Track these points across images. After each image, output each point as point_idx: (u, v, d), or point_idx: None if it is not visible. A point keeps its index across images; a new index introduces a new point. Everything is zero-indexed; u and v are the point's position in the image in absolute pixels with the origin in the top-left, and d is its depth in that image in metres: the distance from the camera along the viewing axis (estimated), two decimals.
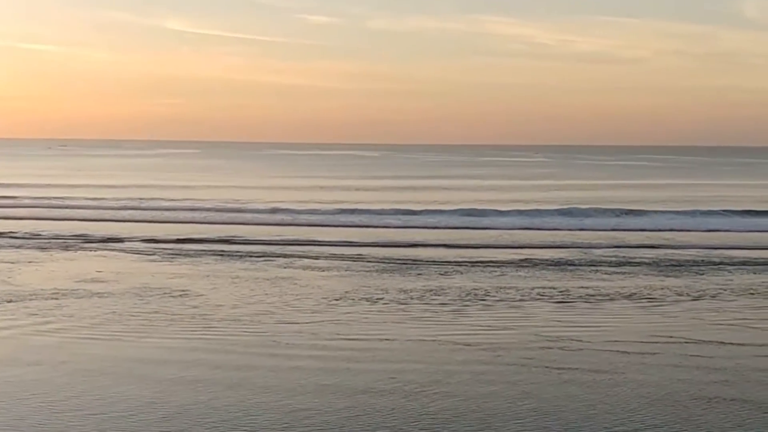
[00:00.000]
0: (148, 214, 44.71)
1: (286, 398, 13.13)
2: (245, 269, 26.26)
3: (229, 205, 49.66)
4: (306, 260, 28.27)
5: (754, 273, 26.43)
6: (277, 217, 43.77)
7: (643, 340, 17.22)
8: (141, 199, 53.10)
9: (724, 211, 46.88)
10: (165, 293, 21.84)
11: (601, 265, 27.69)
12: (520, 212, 45.79)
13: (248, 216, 44.45)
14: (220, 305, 20.34)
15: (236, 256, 29.23)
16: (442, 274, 25.43)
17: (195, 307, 20.13)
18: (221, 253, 29.80)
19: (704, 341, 17.18)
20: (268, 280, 24.19)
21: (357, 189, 69.27)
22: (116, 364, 15.02)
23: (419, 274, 25.37)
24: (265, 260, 28.18)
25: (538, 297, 21.84)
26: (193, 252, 30.16)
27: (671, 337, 17.53)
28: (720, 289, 23.38)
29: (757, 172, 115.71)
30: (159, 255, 29.30)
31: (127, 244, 32.27)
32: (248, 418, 12.20)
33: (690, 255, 30.64)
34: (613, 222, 42.36)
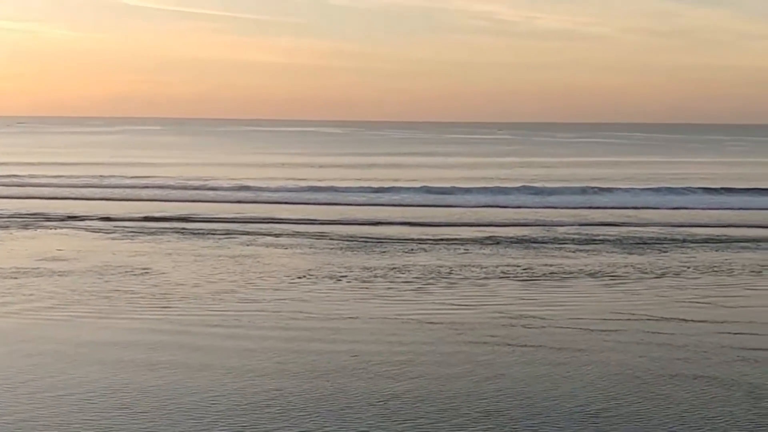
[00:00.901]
0: (109, 192, 44.36)
1: (248, 379, 13.00)
2: (207, 247, 26.08)
3: (192, 183, 49.30)
4: (269, 238, 28.12)
5: (717, 250, 26.54)
6: (241, 195, 43.52)
7: (606, 317, 17.23)
8: (102, 176, 52.61)
9: (687, 188, 47.10)
10: (126, 272, 21.63)
11: (565, 243, 27.72)
12: (484, 190, 45.80)
13: (211, 193, 44.18)
14: (182, 284, 20.16)
15: (199, 233, 29.02)
16: (406, 252, 25.35)
17: (156, 285, 19.94)
18: (183, 231, 29.58)
19: (666, 318, 17.22)
20: (230, 258, 24.02)
21: (321, 166, 69.07)
22: (76, 346, 14.79)
23: (383, 252, 25.28)
24: (227, 238, 27.99)
25: (502, 275, 21.82)
26: (155, 230, 29.92)
27: (634, 314, 17.55)
28: (683, 266, 23.46)
29: (721, 149, 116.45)
30: (120, 233, 29.04)
31: (87, 222, 31.97)
32: (210, 399, 12.06)
33: (653, 232, 30.75)
34: (578, 200, 42.45)
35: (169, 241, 27.15)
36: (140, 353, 14.29)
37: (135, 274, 21.28)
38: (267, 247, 26.23)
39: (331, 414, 11.47)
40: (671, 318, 17.26)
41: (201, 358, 14.08)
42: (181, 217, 33.82)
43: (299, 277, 21.11)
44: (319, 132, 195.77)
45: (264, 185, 47.69)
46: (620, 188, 46.92)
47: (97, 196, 42.77)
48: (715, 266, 23.52)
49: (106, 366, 13.58)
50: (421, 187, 46.30)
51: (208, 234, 28.90)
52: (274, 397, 12.12)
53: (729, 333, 16.09)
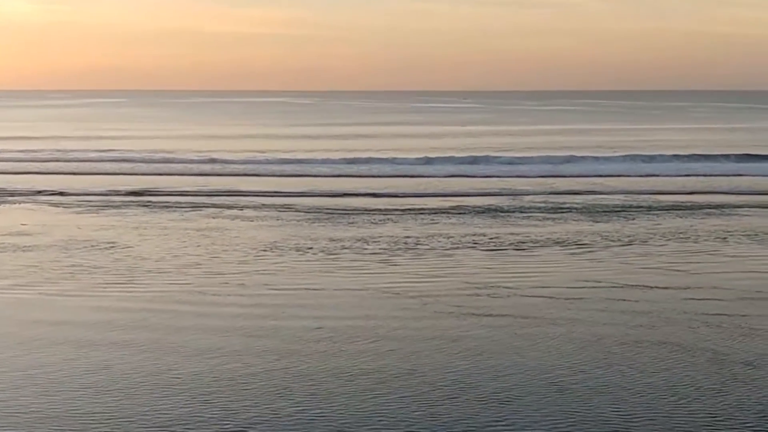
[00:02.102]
0: (74, 166, 43.96)
1: (211, 352, 12.95)
2: (173, 220, 25.94)
3: (158, 155, 48.96)
4: (235, 210, 28.00)
5: (682, 217, 26.66)
6: (207, 167, 43.27)
7: (572, 285, 17.28)
8: (67, 150, 52.15)
9: (654, 155, 47.24)
10: (92, 246, 21.49)
11: (532, 212, 27.76)
12: (451, 159, 45.77)
13: (178, 166, 43.90)
14: (147, 258, 20.05)
15: (165, 207, 28.85)
16: (373, 224, 25.32)
17: (121, 260, 19.82)
18: (149, 204, 29.40)
19: (631, 285, 17.28)
20: (196, 231, 23.90)
21: (287, 137, 68.78)
22: (39, 325, 14.58)
23: (350, 224, 25.23)
24: (194, 211, 27.84)
25: (469, 245, 21.83)
26: (120, 203, 29.73)
27: (599, 282, 17.60)
28: (649, 233, 23.56)
29: (685, 115, 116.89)
30: (85, 207, 28.83)
31: (53, 197, 31.70)
32: (173, 372, 12.01)
33: (620, 200, 30.85)
34: (545, 168, 42.47)
35: (134, 215, 26.98)
36: (105, 332, 14.13)
37: (100, 249, 21.14)
38: (233, 219, 26.12)
39: (295, 385, 11.44)
40: (636, 285, 17.33)
41: (165, 334, 13.99)
42: (147, 190, 33.61)
43: (264, 250, 21.03)
44: (285, 103, 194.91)
45: (231, 157, 47.45)
46: (588, 156, 46.98)
47: (61, 170, 42.37)
48: (680, 233, 23.63)
49: (67, 344, 13.46)
50: (388, 158, 46.22)
51: (174, 207, 28.75)
52: (236, 369, 12.07)
53: (693, 299, 16.17)
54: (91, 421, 10.24)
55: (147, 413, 10.47)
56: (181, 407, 10.68)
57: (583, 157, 46.41)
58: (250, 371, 12.03)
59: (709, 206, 29.18)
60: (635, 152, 49.09)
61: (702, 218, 26.45)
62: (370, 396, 11.11)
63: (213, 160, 46.02)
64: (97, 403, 10.85)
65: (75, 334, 13.92)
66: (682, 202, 30.18)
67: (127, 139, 65.30)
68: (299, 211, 27.75)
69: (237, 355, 12.76)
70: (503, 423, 10.24)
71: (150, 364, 12.34)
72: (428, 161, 45.02)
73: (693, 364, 12.40)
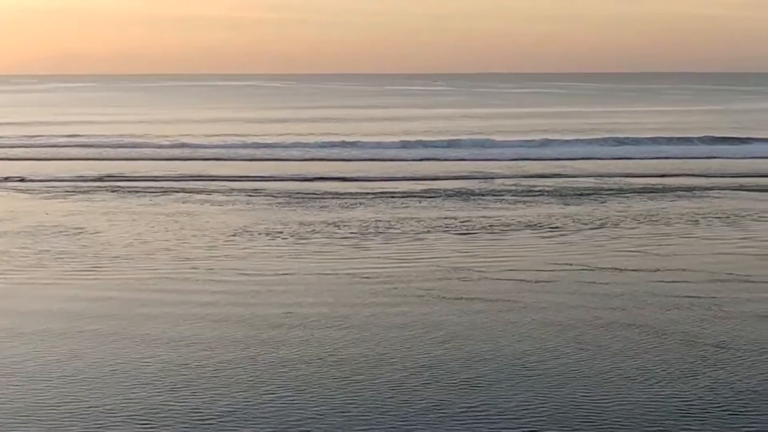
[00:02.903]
0: (42, 152, 43.56)
1: (179, 337, 12.82)
2: (143, 205, 25.74)
3: (127, 140, 48.62)
4: (205, 195, 27.81)
5: (653, 200, 26.69)
6: (177, 152, 43.01)
7: (543, 268, 17.24)
8: (33, 136, 51.64)
9: (624, 138, 47.34)
10: (60, 232, 21.27)
11: (503, 195, 27.72)
12: (423, 143, 45.69)
13: (147, 151, 43.61)
14: (116, 243, 19.85)
15: (134, 192, 28.63)
16: (344, 207, 25.21)
17: (89, 246, 19.62)
18: (118, 190, 29.16)
19: (602, 268, 17.26)
20: (166, 216, 23.72)
21: (258, 121, 68.44)
22: (6, 313, 14.36)
23: (321, 208, 25.11)
24: (163, 195, 27.64)
25: (440, 228, 21.76)
26: (89, 189, 29.47)
27: (570, 265, 17.57)
28: (620, 216, 23.56)
29: (659, 98, 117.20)
30: (53, 193, 28.55)
31: (20, 183, 31.40)
32: (142, 362, 11.87)
33: (591, 183, 30.87)
34: (516, 151, 42.46)
35: (103, 200, 26.75)
36: (73, 320, 13.85)
37: (68, 235, 20.93)
38: (203, 204, 25.94)
39: (266, 373, 11.34)
40: (607, 268, 17.30)
41: (134, 322, 13.80)
42: (116, 175, 33.34)
43: (234, 235, 20.88)
44: (256, 86, 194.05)
45: (200, 142, 47.20)
46: (559, 139, 47.02)
47: (28, 156, 42.00)
48: (652, 215, 23.65)
49: (38, 336, 13.21)
50: (359, 142, 46.09)
51: (143, 192, 28.52)
52: (205, 357, 11.95)
53: (663, 281, 16.16)
54: (61, 413, 10.08)
55: (118, 404, 10.31)
56: (152, 397, 10.54)
57: (554, 140, 46.44)
58: (220, 358, 11.91)
59: (681, 189, 29.24)
60: (607, 135, 49.18)
61: (673, 201, 26.49)
62: (341, 383, 11.01)
63: (183, 145, 45.75)
64: (66, 394, 10.66)
65: (44, 324, 13.67)
66: (654, 185, 30.23)
67: (96, 124, 64.80)
68: (270, 196, 27.59)
69: (206, 342, 12.63)
70: (476, 409, 10.17)
71: (119, 354, 12.15)
72: (399, 145, 44.92)
73: (664, 346, 12.37)
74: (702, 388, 10.76)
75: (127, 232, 21.22)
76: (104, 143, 47.15)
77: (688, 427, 9.65)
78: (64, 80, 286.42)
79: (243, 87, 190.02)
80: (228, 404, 10.25)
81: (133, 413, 10.01)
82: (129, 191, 28.80)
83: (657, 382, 10.95)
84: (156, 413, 10.01)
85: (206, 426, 9.71)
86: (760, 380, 11.02)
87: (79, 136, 51.28)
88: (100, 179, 32.23)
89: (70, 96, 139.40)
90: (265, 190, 29.03)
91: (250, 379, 11.09)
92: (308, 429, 9.63)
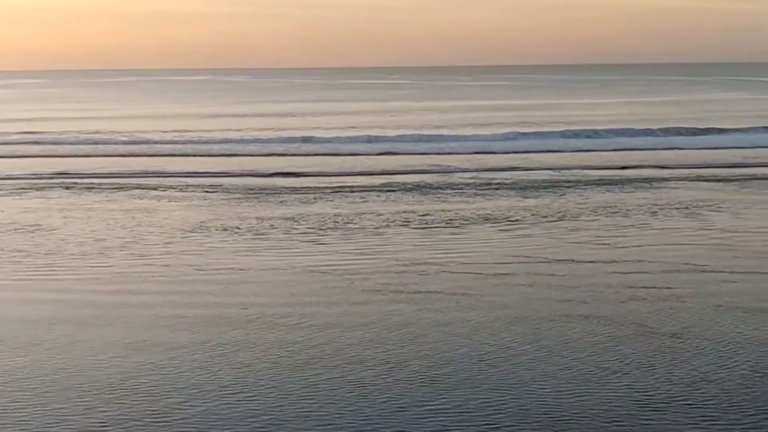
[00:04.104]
0: None
1: (133, 334, 12.68)
2: (99, 201, 25.51)
3: (82, 137, 48.17)
4: (161, 191, 27.59)
5: (611, 191, 26.79)
6: (133, 148, 42.70)
7: (501, 261, 17.23)
8: None
9: (582, 130, 47.52)
10: (14, 229, 21.01)
11: (461, 188, 27.73)
12: (381, 137, 45.62)
13: (103, 147, 43.23)
14: (71, 240, 19.63)
15: (90, 188, 28.36)
16: (302, 202, 25.09)
17: (44, 244, 19.38)
18: (73, 186, 28.86)
19: (559, 260, 17.27)
20: (122, 212, 23.51)
21: (214, 116, 68.09)
22: None
23: (278, 203, 24.98)
24: (119, 192, 27.41)
25: (398, 222, 21.71)
26: (44, 186, 29.15)
27: (528, 257, 17.58)
28: (578, 208, 23.62)
29: (616, 89, 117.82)
30: (7, 190, 28.20)
31: None
32: (92, 357, 11.73)
33: (549, 176, 30.95)
34: (476, 145, 42.50)
35: (59, 197, 26.48)
36: (26, 323, 13.65)
37: (23, 232, 20.68)
38: (159, 200, 25.74)
39: (222, 368, 11.23)
40: (564, 260, 17.33)
41: (83, 315, 13.69)
42: (71, 172, 33.01)
43: (191, 231, 20.72)
44: (211, 81, 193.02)
45: (156, 137, 46.90)
46: (517, 132, 47.10)
47: None
48: (609, 207, 23.73)
49: None
50: (317, 137, 45.96)
51: (98, 188, 28.26)
52: (159, 352, 11.82)
53: (620, 273, 16.20)
54: (17, 420, 9.88)
55: (76, 411, 10.14)
56: (112, 402, 10.41)
57: (512, 133, 46.53)
58: (176, 355, 11.80)
59: (638, 180, 29.38)
60: (564, 127, 49.36)
61: (631, 192, 26.61)
62: (298, 377, 10.94)
63: (139, 141, 45.43)
64: (16, 404, 10.33)
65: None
66: (612, 177, 30.35)
67: (49, 120, 64.15)
68: (227, 191, 27.43)
69: (161, 337, 12.51)
70: (434, 401, 10.13)
71: (76, 359, 11.88)
72: (357, 139, 44.84)
73: (620, 337, 12.40)
74: (659, 379, 10.79)
75: (83, 230, 21.00)
76: (59, 140, 46.67)
77: (646, 418, 9.67)
78: (17, 76, 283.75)
79: (198, 82, 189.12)
80: (187, 406, 10.12)
81: (91, 421, 9.86)
82: (85, 188, 28.53)
83: (614, 374, 10.96)
84: (115, 419, 9.86)
85: (162, 420, 9.60)
86: (717, 370, 11.06)
87: (33, 132, 50.70)
88: (55, 176, 31.90)
89: (23, 92, 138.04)
90: (222, 185, 28.86)
91: (207, 378, 10.97)
92: (266, 421, 9.55)
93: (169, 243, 19.32)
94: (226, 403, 10.08)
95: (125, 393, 10.44)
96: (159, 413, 9.84)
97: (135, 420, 9.68)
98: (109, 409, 9.98)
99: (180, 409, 9.96)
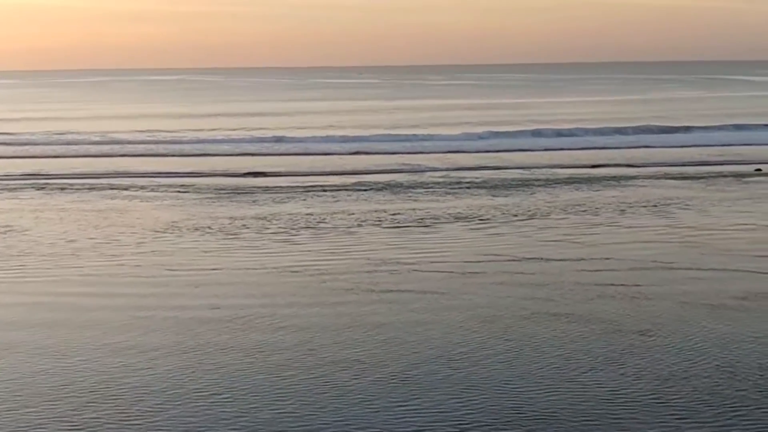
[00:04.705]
0: None
1: (106, 336, 12.69)
2: (71, 202, 25.47)
3: (55, 137, 48.02)
4: (134, 191, 27.58)
5: (580, 190, 26.99)
6: (105, 148, 42.60)
7: (471, 260, 17.35)
8: None
9: (551, 129, 47.79)
10: None
11: (433, 188, 27.86)
12: (353, 137, 45.69)
13: (75, 147, 43.12)
14: (44, 242, 19.60)
15: (61, 189, 28.29)
16: (274, 202, 25.15)
17: (16, 245, 19.34)
18: (45, 187, 28.79)
19: (528, 259, 17.43)
20: (94, 212, 23.49)
21: (189, 116, 67.97)
22: None
23: (250, 203, 25.03)
24: (92, 192, 27.37)
25: (370, 221, 21.81)
26: (16, 186, 29.06)
27: (498, 255, 17.72)
28: (548, 207, 23.80)
29: (585, 88, 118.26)
30: None
31: None
32: (64, 360, 11.75)
33: (519, 174, 31.13)
34: (447, 144, 42.66)
35: (31, 198, 26.42)
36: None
37: None
38: (131, 200, 25.73)
39: (196, 370, 11.28)
40: (533, 258, 17.48)
41: (52, 317, 13.67)
42: (43, 172, 32.92)
43: (163, 231, 20.73)
44: (185, 80, 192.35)
45: (129, 137, 46.80)
46: (488, 131, 47.27)
47: None
48: (579, 205, 23.91)
49: None
50: (288, 136, 45.99)
51: (70, 189, 28.21)
52: (131, 355, 11.84)
53: (588, 271, 16.35)
54: None
55: (44, 416, 10.14)
56: (81, 408, 10.46)
57: (482, 132, 46.71)
58: (149, 357, 11.83)
59: (607, 178, 29.61)
60: (534, 126, 49.62)
61: (600, 190, 26.82)
62: (270, 376, 11.02)
63: (111, 141, 45.32)
64: None
65: None
66: (581, 175, 30.56)
67: (21, 121, 63.86)
68: (199, 191, 27.45)
69: (132, 337, 12.54)
70: (406, 401, 10.22)
71: (44, 362, 11.83)
72: (329, 139, 44.92)
73: (589, 335, 12.54)
74: (628, 376, 10.92)
75: (54, 231, 20.97)
76: (31, 140, 46.54)
77: (615, 415, 9.79)
78: None
79: (171, 82, 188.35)
80: (161, 409, 10.15)
81: (65, 425, 9.89)
82: (57, 188, 28.48)
83: (583, 372, 11.10)
84: (89, 423, 9.90)
85: (135, 424, 9.65)
86: (685, 367, 11.22)
87: (4, 133, 50.47)
88: (26, 177, 31.80)
89: None
90: (194, 185, 28.87)
91: (182, 381, 10.99)
92: (240, 424, 9.62)
93: (141, 243, 19.34)
94: (201, 406, 10.11)
95: (99, 397, 10.45)
96: (134, 416, 9.86)
97: (110, 423, 9.71)
98: (83, 413, 9.99)
99: (154, 412, 9.99)
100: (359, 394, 10.41)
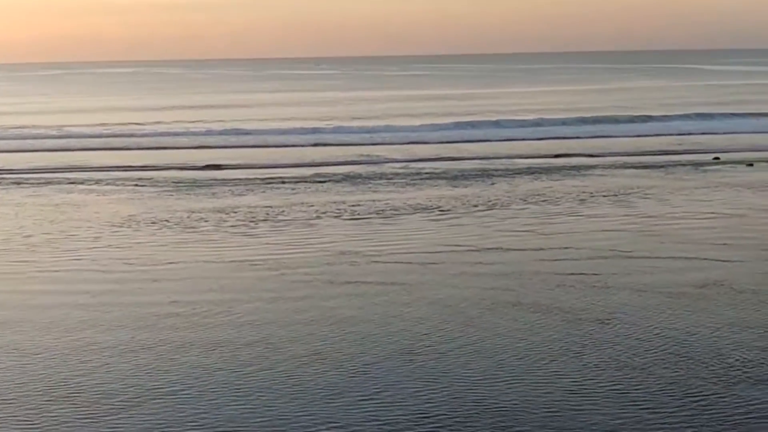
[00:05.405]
0: None
1: (62, 333, 12.53)
2: (28, 196, 25.18)
3: (9, 131, 47.47)
4: (91, 185, 27.30)
5: (540, 180, 27.03)
6: (62, 142, 42.17)
7: (431, 251, 17.31)
8: None
9: (509, 120, 47.85)
10: None
11: (392, 179, 27.78)
12: (310, 128, 45.53)
13: (30, 141, 42.65)
14: None
15: (17, 183, 27.96)
16: (233, 195, 24.98)
17: None
18: (1, 182, 28.43)
19: (488, 249, 17.40)
20: (50, 207, 23.23)
21: (146, 109, 67.48)
22: None
23: (209, 195, 24.84)
24: (48, 186, 27.07)
25: (330, 213, 21.71)
26: None
27: (458, 246, 17.68)
28: (508, 197, 23.80)
29: (545, 78, 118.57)
30: None
31: None
32: (19, 359, 11.58)
33: (479, 165, 31.13)
34: (406, 135, 42.59)
35: None
36: None
37: None
38: (88, 194, 25.46)
39: (154, 365, 11.16)
40: (493, 248, 17.46)
41: (13, 316, 13.49)
42: None
43: (120, 225, 20.53)
44: (141, 74, 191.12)
45: (86, 131, 46.36)
46: (447, 122, 47.24)
47: None
48: (539, 195, 23.93)
49: None
50: (247, 128, 45.78)
51: (27, 183, 27.88)
52: (89, 353, 11.70)
53: (547, 260, 16.36)
54: None
55: (1, 416, 10.03)
56: (37, 410, 10.30)
57: (441, 123, 46.69)
58: (103, 347, 11.70)
59: (567, 168, 29.68)
60: (493, 117, 49.66)
61: (559, 180, 26.87)
62: (223, 367, 10.92)
63: (67, 135, 44.88)
64: None
65: None
66: (541, 165, 30.61)
67: None
68: (157, 184, 27.21)
69: (88, 332, 12.39)
70: (366, 392, 10.17)
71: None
72: (287, 131, 44.72)
73: (550, 325, 12.53)
74: (588, 365, 10.92)
75: (10, 226, 20.71)
76: None
77: (576, 404, 9.78)
78: None
79: (127, 74, 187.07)
80: (117, 402, 10.04)
81: (21, 428, 9.74)
82: (12, 183, 28.14)
83: (543, 361, 11.08)
84: (45, 425, 9.75)
85: (94, 423, 9.52)
86: (644, 355, 11.23)
87: None
88: None
89: None
90: (152, 178, 28.62)
91: (140, 375, 10.88)
92: (202, 421, 9.51)
93: (98, 237, 19.13)
94: (162, 404, 9.98)
95: (57, 396, 10.30)
96: (93, 416, 9.71)
97: (69, 422, 9.56)
98: (41, 414, 9.84)
99: (115, 411, 9.85)
100: (321, 389, 10.31)
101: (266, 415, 9.59)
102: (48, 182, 28.10)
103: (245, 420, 9.50)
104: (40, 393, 10.31)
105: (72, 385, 10.52)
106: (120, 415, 9.64)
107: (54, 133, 45.96)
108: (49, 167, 32.35)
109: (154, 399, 10.07)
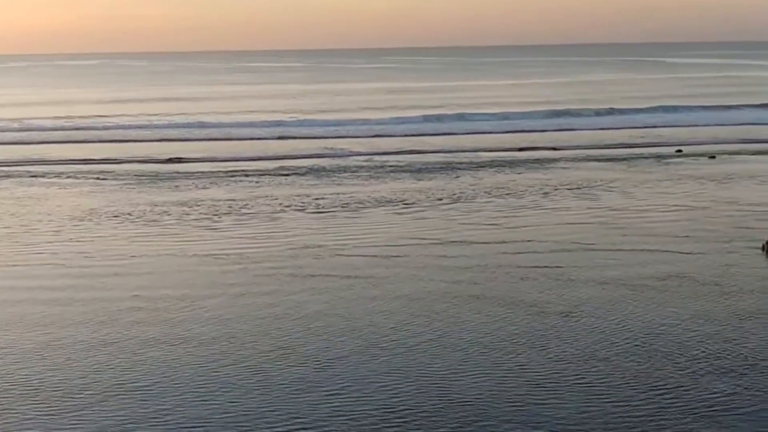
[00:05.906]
0: None
1: (22, 330, 12.39)
2: None
3: None
4: (52, 178, 27.04)
5: (504, 173, 27.06)
6: (22, 135, 41.76)
7: (395, 244, 17.28)
8: None
9: (473, 113, 47.90)
10: None
11: (357, 172, 27.72)
12: (274, 121, 45.38)
13: None
14: None
15: None
16: (197, 188, 24.82)
17: None
18: None
19: (452, 242, 17.40)
20: (11, 200, 23.00)
21: (108, 102, 67.00)
22: None
23: (171, 189, 24.68)
24: (8, 180, 26.79)
25: (294, 206, 21.63)
26: None
27: (422, 239, 17.66)
28: (471, 190, 23.81)
29: (511, 71, 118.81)
30: None
31: None
32: None
33: (443, 158, 31.13)
34: (370, 128, 42.53)
35: None
36: None
37: None
38: (49, 187, 25.23)
39: (117, 360, 11.06)
40: (457, 241, 17.45)
41: None
42: None
43: (81, 218, 20.34)
44: (105, 65, 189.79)
45: (45, 124, 45.95)
46: (412, 116, 47.23)
47: None
48: (503, 188, 23.96)
49: None
50: (211, 121, 45.56)
51: None
52: (52, 347, 11.59)
53: (511, 253, 16.37)
54: None
55: None
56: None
57: (405, 117, 46.66)
58: (64, 343, 11.59)
59: (530, 161, 29.74)
60: (457, 110, 49.67)
61: (523, 173, 26.92)
62: (187, 363, 10.84)
63: (28, 128, 44.45)
64: None
65: None
66: (505, 158, 30.65)
67: None
68: (119, 177, 27.00)
69: (50, 327, 12.26)
70: (330, 386, 10.12)
71: None
72: (251, 123, 44.55)
73: (513, 318, 12.53)
74: (552, 358, 10.93)
75: None
76: None
77: (540, 397, 9.78)
78: None
79: (90, 66, 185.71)
80: (80, 400, 9.93)
81: None
82: None
83: (507, 354, 11.08)
84: (7, 419, 9.66)
85: (58, 420, 9.41)
86: (608, 347, 11.26)
87: None
88: None
89: None
90: (114, 172, 28.40)
91: (102, 367, 10.79)
92: (166, 418, 9.43)
93: (59, 231, 18.95)
94: (126, 402, 9.88)
95: (20, 395, 10.17)
96: (56, 413, 9.62)
97: (31, 420, 9.46)
98: (2, 413, 9.78)
99: (78, 408, 9.76)
100: (287, 384, 10.25)
101: (231, 411, 9.52)
102: (8, 175, 27.82)
103: (210, 416, 9.42)
104: (2, 390, 10.18)
105: (34, 383, 10.39)
106: (84, 412, 9.54)
107: (15, 126, 45.49)
108: (9, 160, 32.01)
109: (118, 395, 9.97)
